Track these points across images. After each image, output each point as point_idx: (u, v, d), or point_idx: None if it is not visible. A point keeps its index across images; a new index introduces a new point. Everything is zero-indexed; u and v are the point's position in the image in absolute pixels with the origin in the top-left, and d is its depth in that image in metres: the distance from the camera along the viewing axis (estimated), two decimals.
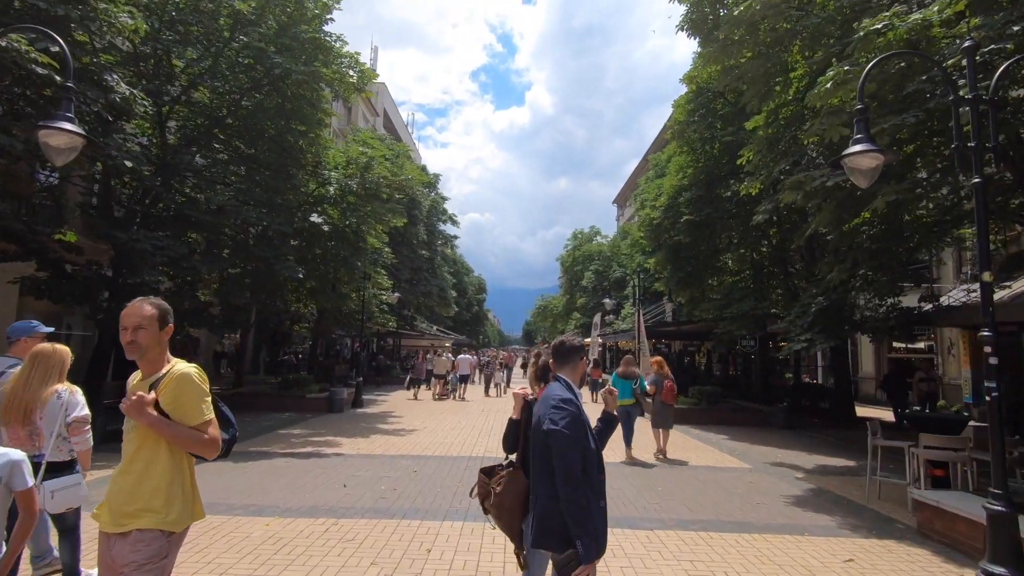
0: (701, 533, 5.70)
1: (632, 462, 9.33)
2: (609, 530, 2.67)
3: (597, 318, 32.19)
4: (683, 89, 17.30)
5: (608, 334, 32.25)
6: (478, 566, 4.71)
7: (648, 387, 10.15)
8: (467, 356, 24.02)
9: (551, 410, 2.58)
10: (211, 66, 12.75)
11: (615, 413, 2.94)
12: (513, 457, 3.09)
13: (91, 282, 11.41)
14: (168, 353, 2.47)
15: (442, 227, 36.93)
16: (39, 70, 7.74)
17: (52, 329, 4.45)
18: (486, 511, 3.06)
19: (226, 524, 5.55)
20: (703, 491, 7.53)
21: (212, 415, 2.42)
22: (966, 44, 4.70)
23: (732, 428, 13.88)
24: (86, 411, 3.67)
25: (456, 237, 43.82)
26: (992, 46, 5.74)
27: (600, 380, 20.43)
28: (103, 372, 12.11)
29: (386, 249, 21.23)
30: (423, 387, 21.96)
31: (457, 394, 20.64)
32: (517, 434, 3.02)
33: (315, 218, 15.26)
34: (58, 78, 7.75)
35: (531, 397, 3.04)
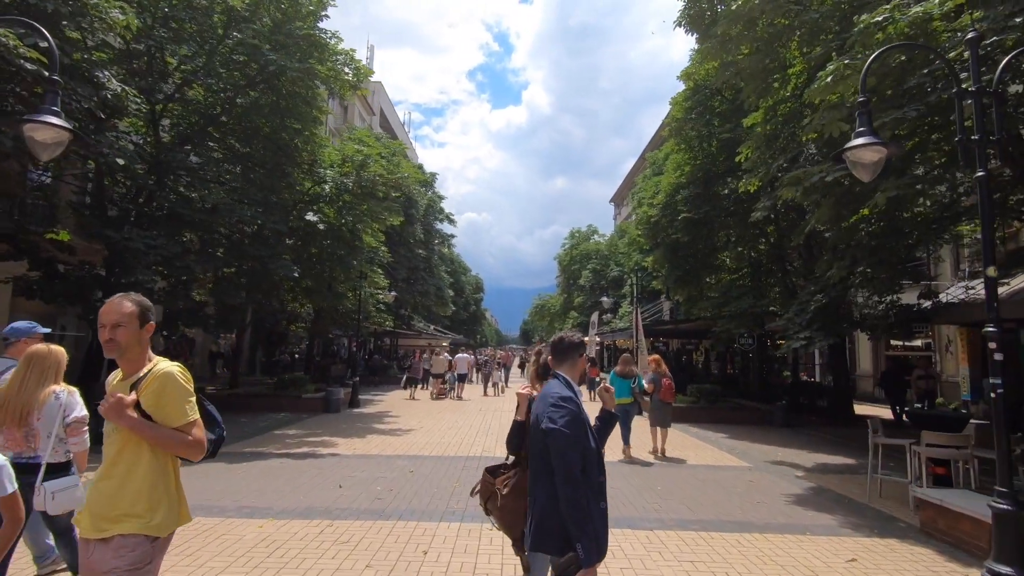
0: (702, 533, 5.62)
1: (631, 461, 9.26)
2: (609, 531, 2.58)
3: (594, 317, 32.12)
4: (681, 86, 17.26)
5: (606, 333, 32.20)
6: (475, 568, 4.62)
7: (646, 385, 10.09)
8: (465, 355, 23.92)
9: (550, 408, 2.49)
10: (205, 63, 12.62)
11: (614, 411, 2.85)
12: (513, 458, 3.01)
13: (84, 282, 11.29)
14: (150, 352, 2.37)
15: (439, 226, 36.84)
16: (28, 66, 7.62)
17: (49, 330, 4.40)
18: (488, 512, 2.97)
19: (219, 526, 5.45)
20: (703, 490, 7.46)
21: (196, 416, 2.32)
22: (969, 36, 4.63)
23: (731, 426, 13.82)
24: (84, 412, 3.64)
25: (453, 236, 43.77)
26: (994, 38, 5.68)
27: (598, 379, 20.35)
28: (96, 373, 11.98)
29: (382, 248, 21.12)
30: (420, 387, 21.86)
31: (455, 393, 20.56)
32: (522, 436, 2.91)
33: (311, 217, 15.16)
34: (48, 74, 7.65)
35: (535, 396, 2.95)
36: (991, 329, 4.38)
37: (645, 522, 5.94)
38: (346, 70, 14.31)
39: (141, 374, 2.29)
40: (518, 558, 3.03)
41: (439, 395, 20.37)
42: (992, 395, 4.35)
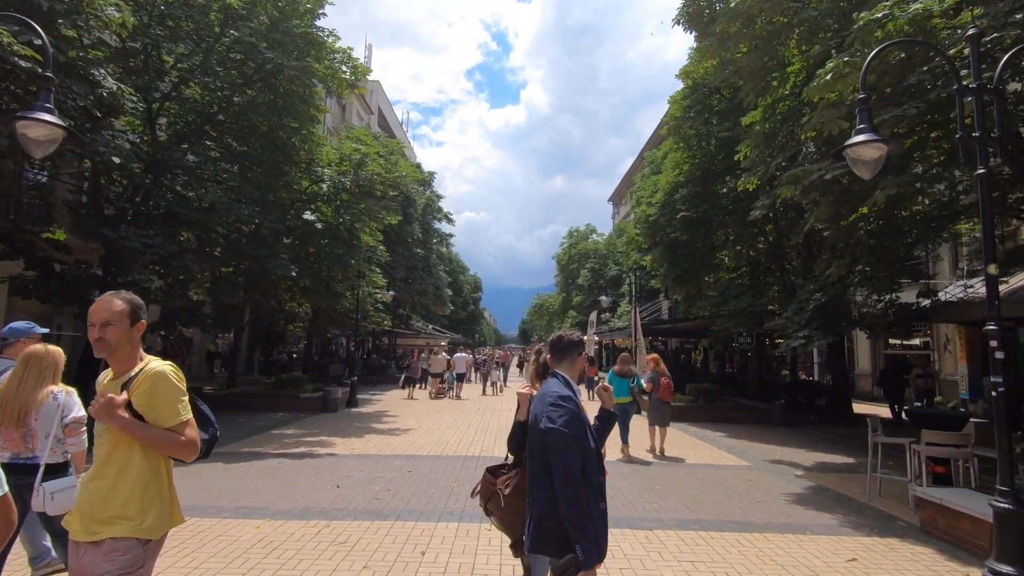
0: (701, 533, 5.59)
1: (629, 460, 9.23)
2: (608, 531, 2.55)
3: (593, 316, 32.08)
4: (679, 85, 17.23)
5: (604, 332, 32.18)
6: (473, 568, 4.59)
7: (645, 385, 10.06)
8: (463, 355, 23.90)
9: (549, 408, 2.45)
10: (202, 62, 12.57)
11: (613, 410, 2.82)
12: (513, 457, 2.97)
13: (80, 281, 11.23)
14: (141, 351, 2.33)
15: (437, 225, 36.76)
16: (23, 63, 7.57)
17: (48, 330, 4.37)
18: (489, 513, 2.93)
19: (215, 527, 5.41)
20: (702, 490, 7.43)
21: (189, 415, 2.28)
22: (970, 32, 4.60)
23: (729, 425, 13.80)
24: (83, 412, 3.62)
25: (452, 236, 43.68)
26: (994, 35, 5.65)
27: (596, 378, 20.32)
28: (93, 373, 11.90)
29: (381, 247, 21.07)
30: (418, 386, 21.83)
31: (453, 393, 20.54)
32: (523, 436, 2.85)
33: (308, 216, 15.12)
34: (50, 75, 7.60)
35: (535, 396, 2.91)
36: (992, 327, 4.35)
37: (644, 522, 5.91)
38: (343, 68, 14.26)
39: (132, 373, 2.25)
40: (517, 559, 2.99)
41: (438, 394, 20.35)
42: (993, 393, 4.33)
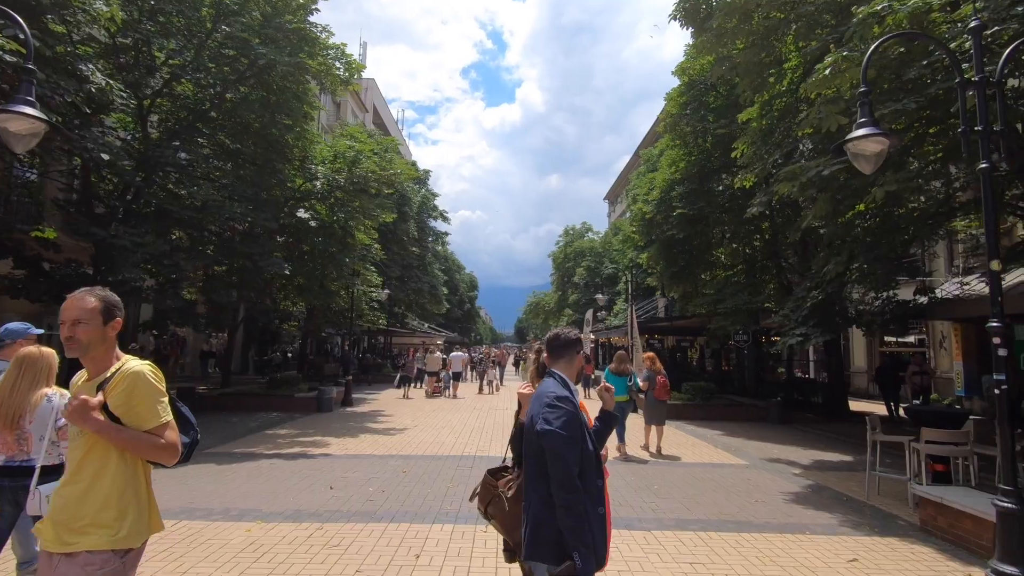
0: (700, 533, 5.52)
1: (626, 458, 9.16)
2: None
3: (589, 314, 32.02)
4: (675, 83, 17.16)
5: (600, 330, 32.12)
6: (469, 572, 4.50)
7: (641, 384, 10.00)
8: (459, 354, 23.81)
9: (545, 409, 2.35)
10: (193, 58, 12.42)
11: (613, 411, 2.72)
12: (513, 457, 2.88)
13: (70, 280, 11.05)
14: (117, 350, 2.23)
15: (433, 224, 36.59)
16: (7, 58, 7.43)
17: (43, 331, 4.27)
18: (489, 516, 2.82)
19: (205, 530, 5.31)
20: (701, 489, 7.36)
21: (169, 417, 2.18)
22: (972, 24, 4.53)
23: (726, 424, 13.76)
24: None
25: (447, 234, 43.52)
26: (995, 28, 5.58)
27: (592, 376, 20.28)
28: None
29: (375, 245, 20.93)
30: (414, 385, 21.73)
31: (449, 392, 20.45)
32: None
33: (302, 214, 14.98)
34: (32, 67, 7.46)
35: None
36: (995, 324, 4.27)
37: (643, 522, 5.83)
38: (337, 65, 14.12)
39: (108, 374, 2.14)
40: (513, 563, 2.89)
41: (433, 393, 20.26)
42: (996, 391, 4.26)
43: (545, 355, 2.69)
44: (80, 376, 2.25)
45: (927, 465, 6.68)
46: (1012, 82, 7.23)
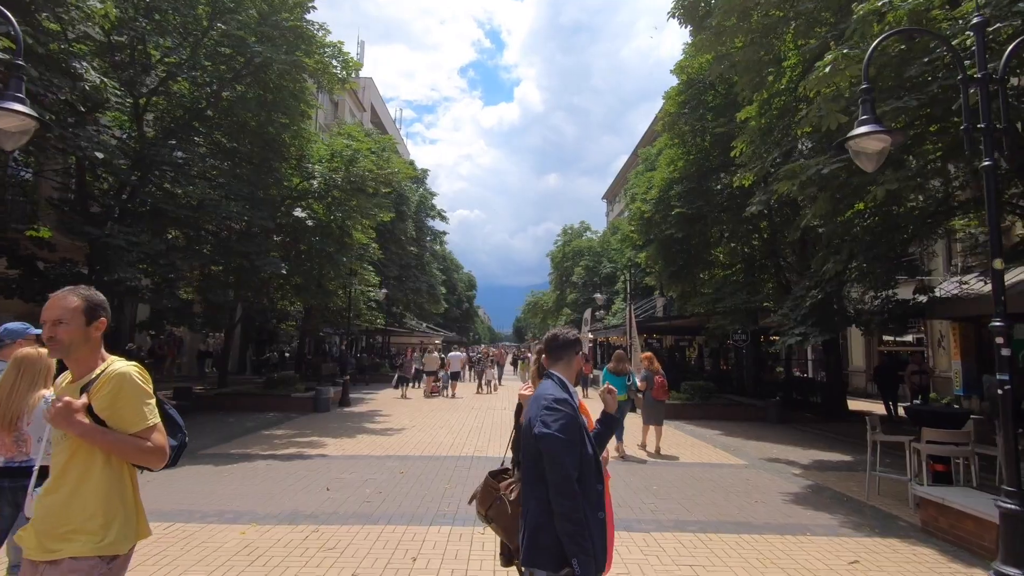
0: (700, 535, 5.47)
1: (624, 458, 9.11)
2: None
3: (587, 314, 31.97)
4: (673, 82, 17.11)
5: (599, 329, 32.07)
6: (466, 575, 4.44)
7: (639, 383, 9.95)
8: (457, 353, 23.74)
9: (543, 411, 2.28)
10: (189, 56, 12.34)
11: (615, 414, 2.66)
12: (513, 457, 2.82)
13: (65, 280, 10.96)
14: (102, 351, 2.16)
15: (431, 223, 36.50)
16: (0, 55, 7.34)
17: (41, 331, 4.21)
18: (489, 519, 2.73)
19: (198, 533, 5.24)
20: (700, 489, 7.31)
21: (157, 419, 2.11)
22: (975, 21, 4.49)
23: (725, 423, 13.72)
24: None
25: (445, 233, 43.42)
26: (997, 25, 5.54)
27: (590, 376, 20.23)
28: None
29: (373, 245, 20.86)
30: (412, 385, 21.66)
31: (448, 391, 20.39)
32: None
33: (299, 213, 14.91)
34: (21, 63, 7.38)
35: None
36: (998, 323, 4.23)
37: (642, 524, 5.78)
38: (334, 63, 14.05)
39: (92, 376, 2.08)
40: (512, 566, 2.82)
41: (432, 393, 20.21)
42: (1000, 391, 4.21)
43: (544, 356, 2.63)
44: (64, 378, 2.19)
45: (928, 465, 6.65)
46: (1012, 80, 7.20)
